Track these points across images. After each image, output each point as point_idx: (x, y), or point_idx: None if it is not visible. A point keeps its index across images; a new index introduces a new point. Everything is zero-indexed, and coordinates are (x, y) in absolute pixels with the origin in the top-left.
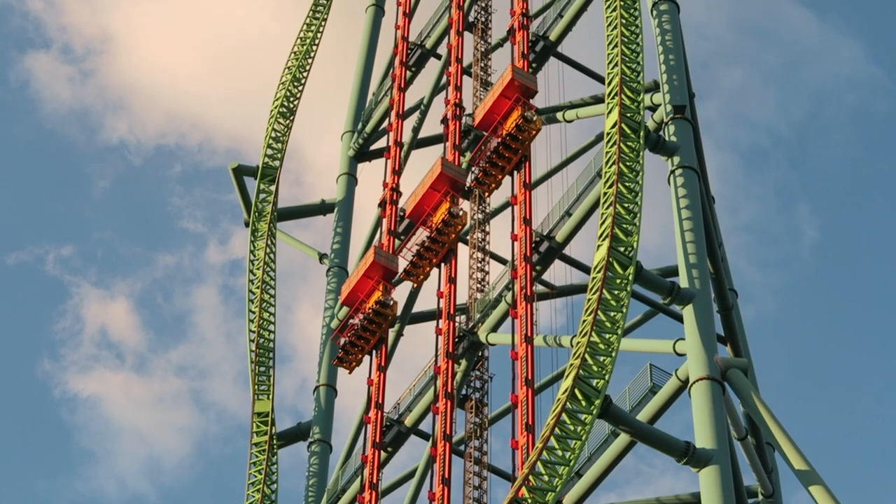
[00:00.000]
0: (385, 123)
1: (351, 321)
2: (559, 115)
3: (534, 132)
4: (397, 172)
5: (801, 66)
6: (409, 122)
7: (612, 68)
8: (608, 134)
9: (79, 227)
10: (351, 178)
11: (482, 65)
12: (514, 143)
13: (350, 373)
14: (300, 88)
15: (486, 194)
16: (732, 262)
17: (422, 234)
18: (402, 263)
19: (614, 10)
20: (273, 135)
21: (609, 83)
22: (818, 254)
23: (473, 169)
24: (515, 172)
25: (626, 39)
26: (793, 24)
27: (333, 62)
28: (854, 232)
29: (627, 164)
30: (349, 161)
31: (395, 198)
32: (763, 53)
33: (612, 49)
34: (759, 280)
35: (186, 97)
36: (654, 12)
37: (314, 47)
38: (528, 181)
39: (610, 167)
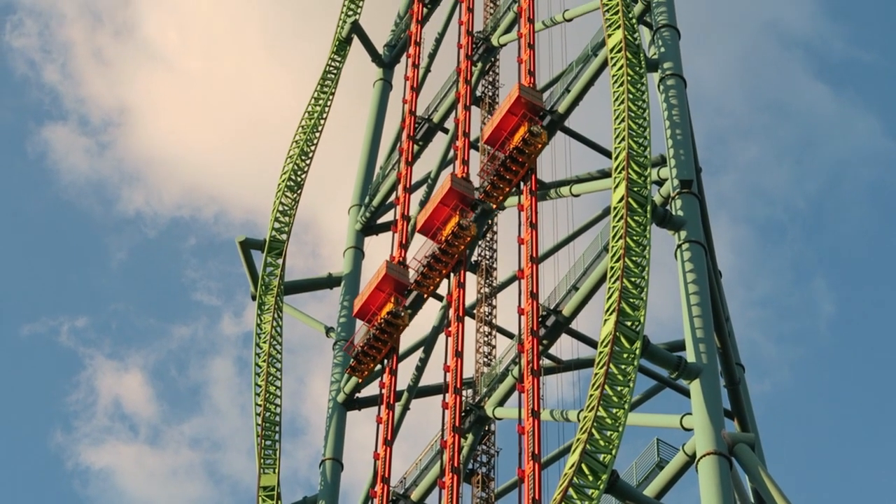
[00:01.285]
0: (392, 197)
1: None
2: (566, 188)
3: (539, 145)
4: (404, 246)
5: (816, 140)
6: (417, 196)
7: (619, 143)
8: (615, 208)
9: (94, 298)
10: (358, 252)
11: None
12: (521, 156)
13: (361, 381)
14: (308, 162)
15: (494, 205)
16: (749, 335)
17: (432, 247)
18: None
19: (621, 84)
20: (280, 208)
21: (616, 157)
22: (834, 328)
23: (482, 182)
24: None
25: (632, 114)
26: (808, 99)
27: (351, 134)
28: (871, 306)
29: (634, 238)
30: (356, 234)
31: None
32: (778, 128)
33: (619, 123)
34: (776, 354)
35: (203, 169)
36: (661, 87)
37: (322, 121)
38: (533, 188)
39: (617, 241)
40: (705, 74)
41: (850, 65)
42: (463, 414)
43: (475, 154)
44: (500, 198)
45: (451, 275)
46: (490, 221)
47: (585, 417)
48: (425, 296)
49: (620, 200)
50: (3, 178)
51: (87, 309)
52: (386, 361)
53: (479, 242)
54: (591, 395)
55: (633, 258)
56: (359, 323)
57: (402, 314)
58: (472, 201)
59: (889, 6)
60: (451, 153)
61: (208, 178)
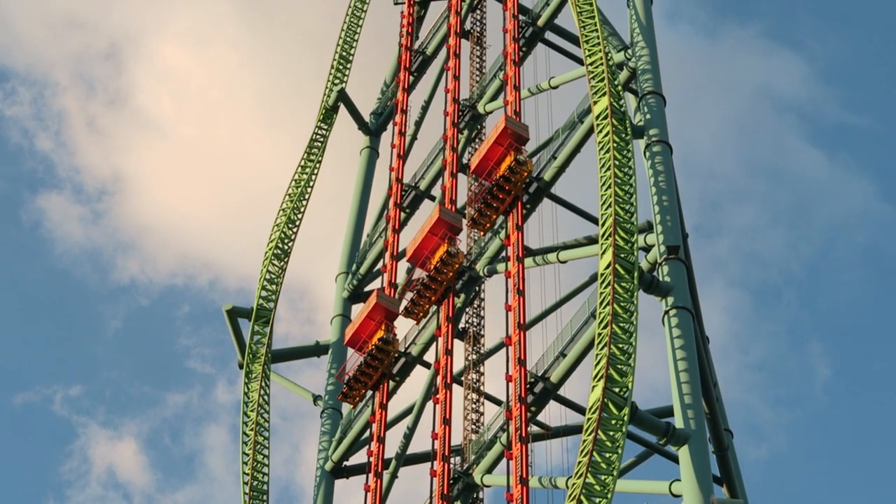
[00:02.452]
0: (379, 265)
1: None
2: (553, 255)
3: (525, 173)
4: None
5: (811, 203)
6: (404, 264)
7: (606, 209)
8: (602, 275)
9: (88, 366)
10: (345, 320)
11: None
12: (508, 184)
13: (353, 408)
14: (295, 230)
15: (482, 233)
16: (744, 400)
17: (421, 275)
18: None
19: (607, 151)
20: (268, 276)
21: (603, 224)
22: (831, 392)
23: (469, 210)
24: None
25: (619, 181)
26: (802, 163)
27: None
28: (867, 370)
29: (622, 304)
30: (343, 302)
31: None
32: (773, 192)
33: (606, 190)
34: (771, 418)
35: (198, 236)
36: (647, 154)
37: (309, 189)
38: (519, 223)
39: (604, 308)
40: (699, 139)
41: (843, 129)
42: (451, 481)
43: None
44: (488, 225)
45: (439, 308)
46: (477, 288)
47: (574, 484)
48: (416, 322)
49: (607, 267)
50: None
51: (81, 377)
52: (375, 393)
53: (467, 309)
54: (580, 462)
55: (621, 324)
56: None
57: (393, 341)
58: (460, 230)
59: (881, 70)
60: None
61: (203, 245)
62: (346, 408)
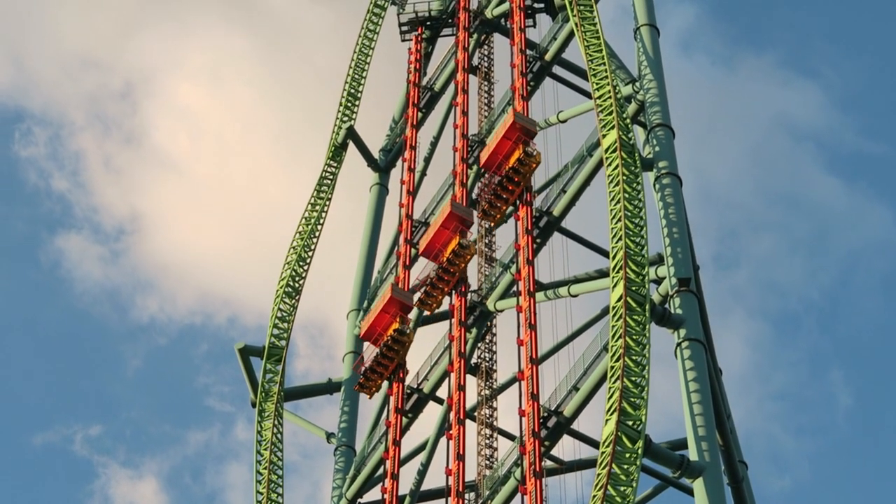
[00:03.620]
0: None
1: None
2: (564, 289)
3: (534, 165)
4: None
5: (829, 232)
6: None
7: (616, 242)
8: (614, 308)
9: (108, 406)
10: (357, 357)
11: (486, 241)
12: (517, 176)
13: (370, 398)
14: (305, 268)
15: (492, 223)
16: (767, 429)
17: (434, 268)
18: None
19: (617, 184)
20: (279, 314)
21: (613, 257)
22: (853, 420)
23: (480, 202)
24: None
25: (629, 213)
26: (820, 191)
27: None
28: (889, 397)
29: (634, 337)
30: (355, 340)
31: (402, 375)
32: (791, 220)
33: (616, 223)
34: (794, 448)
35: (216, 274)
36: (657, 186)
37: (319, 227)
38: (530, 258)
39: (616, 341)
40: (716, 168)
41: (860, 156)
42: None
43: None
44: (498, 216)
45: (452, 294)
46: (489, 323)
47: None
48: (428, 312)
49: (619, 300)
50: (17, 287)
51: (101, 417)
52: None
53: (479, 345)
54: (595, 496)
55: (633, 357)
56: (359, 438)
57: (408, 331)
58: (471, 224)
59: None
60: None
61: (222, 282)
62: (359, 445)
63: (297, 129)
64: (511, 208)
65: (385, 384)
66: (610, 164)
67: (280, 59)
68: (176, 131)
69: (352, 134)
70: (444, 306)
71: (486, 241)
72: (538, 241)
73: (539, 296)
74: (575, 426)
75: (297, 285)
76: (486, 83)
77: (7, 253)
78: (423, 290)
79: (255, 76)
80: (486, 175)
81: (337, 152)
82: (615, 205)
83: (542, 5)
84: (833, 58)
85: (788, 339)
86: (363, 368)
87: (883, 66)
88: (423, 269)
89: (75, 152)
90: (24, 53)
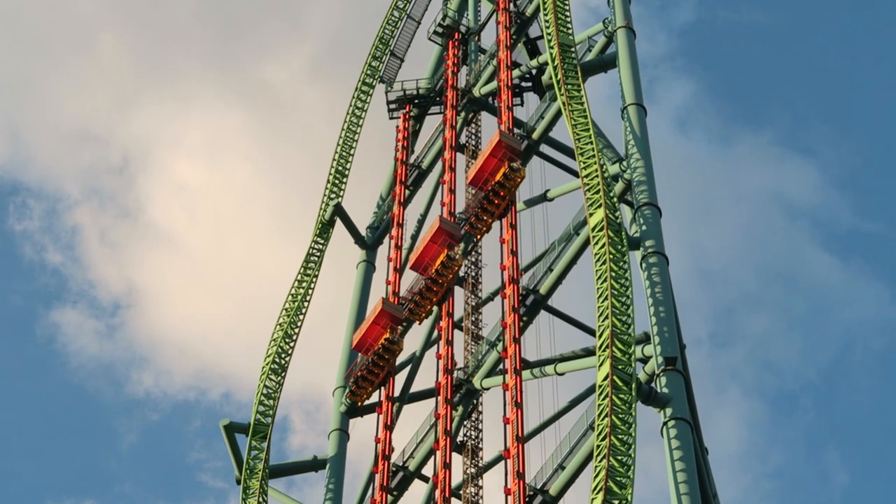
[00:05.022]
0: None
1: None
2: (550, 367)
3: (518, 179)
4: (389, 427)
5: (826, 310)
6: (401, 377)
7: (603, 321)
8: (600, 386)
9: (102, 480)
10: (343, 434)
11: (473, 319)
12: (503, 190)
13: (360, 405)
14: (292, 345)
15: (479, 237)
16: None
17: (423, 280)
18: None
19: (604, 263)
20: (264, 391)
21: (600, 336)
22: (849, 499)
23: (466, 216)
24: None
25: (615, 292)
26: (817, 269)
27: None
28: (885, 476)
29: (620, 416)
30: (341, 417)
31: (387, 453)
32: (787, 298)
33: (603, 302)
34: None
35: (212, 349)
36: (644, 265)
37: (305, 303)
38: (517, 336)
39: (602, 420)
40: (713, 246)
41: (856, 235)
42: None
43: (459, 335)
44: (484, 229)
45: (441, 305)
46: (475, 401)
47: None
48: (418, 323)
49: (605, 378)
50: (12, 361)
51: (95, 491)
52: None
53: (465, 422)
54: None
55: (620, 436)
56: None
57: (398, 341)
58: (459, 238)
59: (893, 176)
60: (436, 333)
61: (217, 358)
62: None
63: (294, 205)
64: (497, 221)
65: (376, 394)
66: (597, 243)
67: (277, 136)
68: (172, 206)
69: (339, 211)
70: (431, 383)
71: (473, 319)
72: (525, 319)
73: (525, 374)
74: None
75: (283, 362)
76: (473, 161)
77: (3, 326)
78: (412, 300)
79: (252, 152)
80: (474, 191)
81: (324, 229)
82: (602, 283)
83: (529, 84)
84: (829, 136)
85: (784, 417)
86: (354, 376)
87: (879, 144)
88: (412, 281)
89: (72, 226)
90: (21, 126)
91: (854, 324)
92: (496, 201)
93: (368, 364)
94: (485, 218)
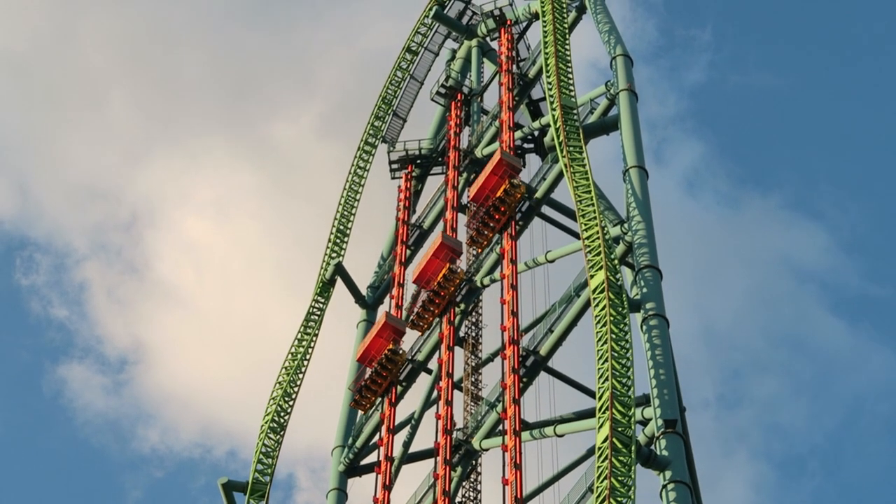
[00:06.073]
0: (376, 438)
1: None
2: (550, 429)
3: (518, 195)
4: (388, 487)
5: (833, 374)
6: (400, 437)
7: (603, 382)
8: (599, 448)
9: None
10: (341, 494)
11: (472, 379)
12: (503, 205)
13: (364, 413)
14: (291, 403)
15: (479, 250)
16: None
17: (425, 293)
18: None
19: (604, 325)
20: (263, 449)
21: (600, 397)
22: None
23: (468, 231)
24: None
25: (616, 354)
26: (824, 333)
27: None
28: None
29: (619, 478)
30: (339, 476)
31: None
32: (795, 362)
33: (603, 363)
34: None
35: (219, 406)
36: (644, 327)
37: (305, 362)
38: (516, 397)
39: (602, 482)
40: (721, 308)
41: (865, 299)
42: None
43: (459, 395)
44: (485, 243)
45: (443, 320)
46: (474, 462)
47: None
48: (420, 333)
49: (605, 441)
50: (18, 416)
51: None
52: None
53: (464, 483)
54: None
55: (619, 499)
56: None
57: (401, 352)
58: (460, 253)
59: None
60: (435, 394)
61: (223, 415)
62: None
63: (301, 263)
64: (496, 236)
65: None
66: (597, 305)
67: (285, 193)
68: (181, 263)
69: (340, 270)
70: (430, 443)
71: (472, 379)
72: (524, 380)
73: (525, 435)
74: None
75: (282, 420)
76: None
77: (10, 381)
78: (415, 311)
79: (261, 210)
80: (475, 207)
81: (325, 288)
82: (602, 345)
83: (531, 146)
84: (838, 200)
85: (792, 481)
86: (357, 386)
87: (887, 208)
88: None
89: (80, 282)
90: (30, 181)
91: (862, 388)
92: (497, 216)
93: (372, 374)
94: (486, 232)
